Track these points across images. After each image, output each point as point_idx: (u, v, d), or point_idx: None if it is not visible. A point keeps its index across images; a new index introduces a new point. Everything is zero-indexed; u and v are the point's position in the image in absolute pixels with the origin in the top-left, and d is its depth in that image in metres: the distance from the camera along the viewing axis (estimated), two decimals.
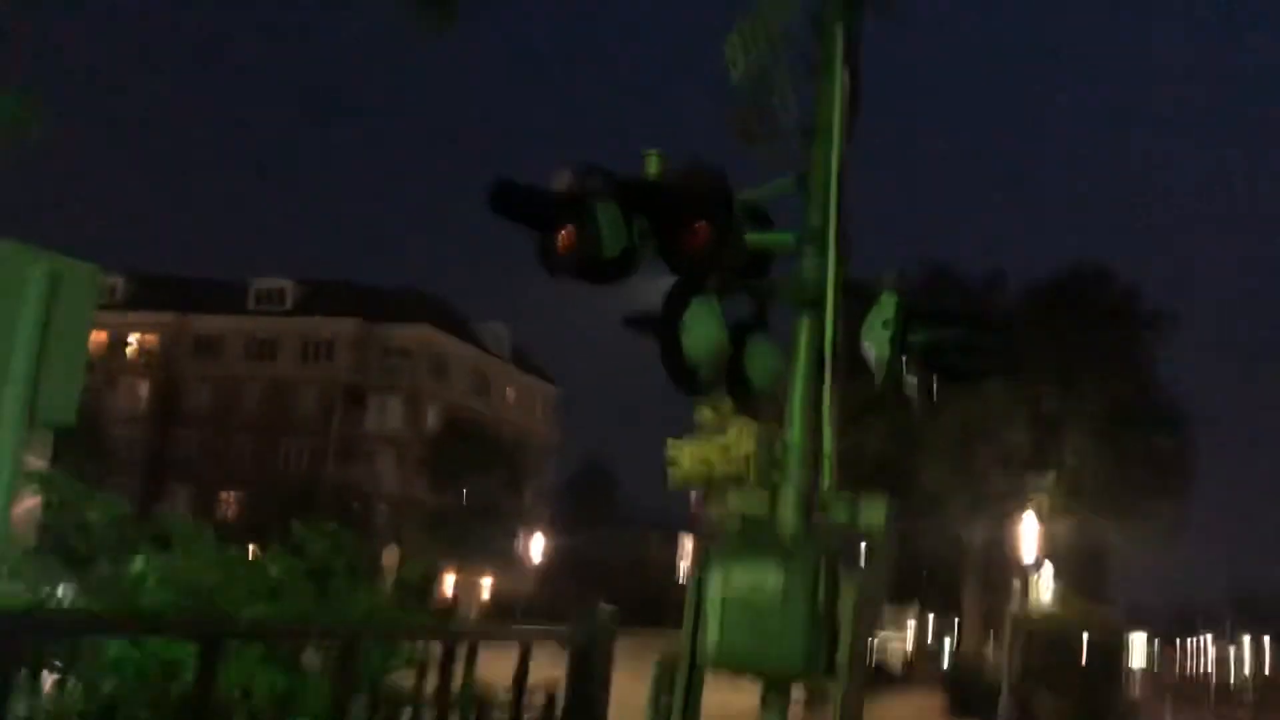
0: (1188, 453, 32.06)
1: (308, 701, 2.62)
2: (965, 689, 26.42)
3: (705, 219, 4.53)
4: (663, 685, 4.18)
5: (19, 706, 2.34)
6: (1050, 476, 30.25)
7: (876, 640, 44.00)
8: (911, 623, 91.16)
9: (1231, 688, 56.69)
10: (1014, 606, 27.81)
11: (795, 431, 4.57)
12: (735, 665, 4.06)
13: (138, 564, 2.69)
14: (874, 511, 4.42)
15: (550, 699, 2.87)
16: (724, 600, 4.07)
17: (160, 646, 2.28)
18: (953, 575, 37.98)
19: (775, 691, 4.19)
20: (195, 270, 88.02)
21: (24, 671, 2.30)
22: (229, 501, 64.67)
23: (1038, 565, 32.93)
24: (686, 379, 4.49)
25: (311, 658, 2.57)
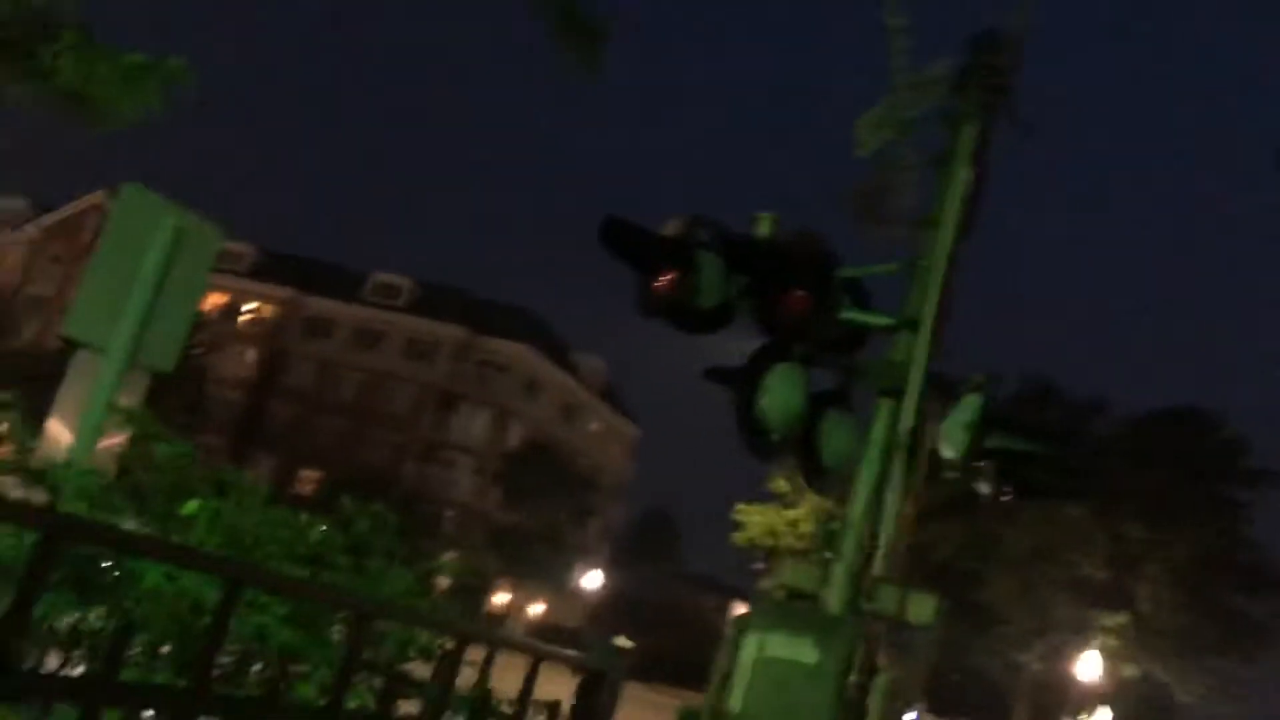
0: (1273, 617, 30.58)
1: (318, 668, 2.70)
2: None
3: (806, 287, 4.56)
4: None
5: (54, 615, 2.48)
6: (1122, 616, 29.14)
7: None
8: None
9: None
10: None
11: (857, 513, 4.56)
12: None
13: (191, 505, 2.82)
14: (923, 608, 4.37)
15: (553, 716, 2.90)
16: (755, 666, 4.06)
17: (193, 586, 2.39)
18: (1003, 698, 36.74)
19: None
20: (322, 253, 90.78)
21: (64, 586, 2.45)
22: (308, 479, 66.03)
23: (1095, 706, 31.73)
24: (757, 440, 4.51)
25: (337, 633, 2.65)
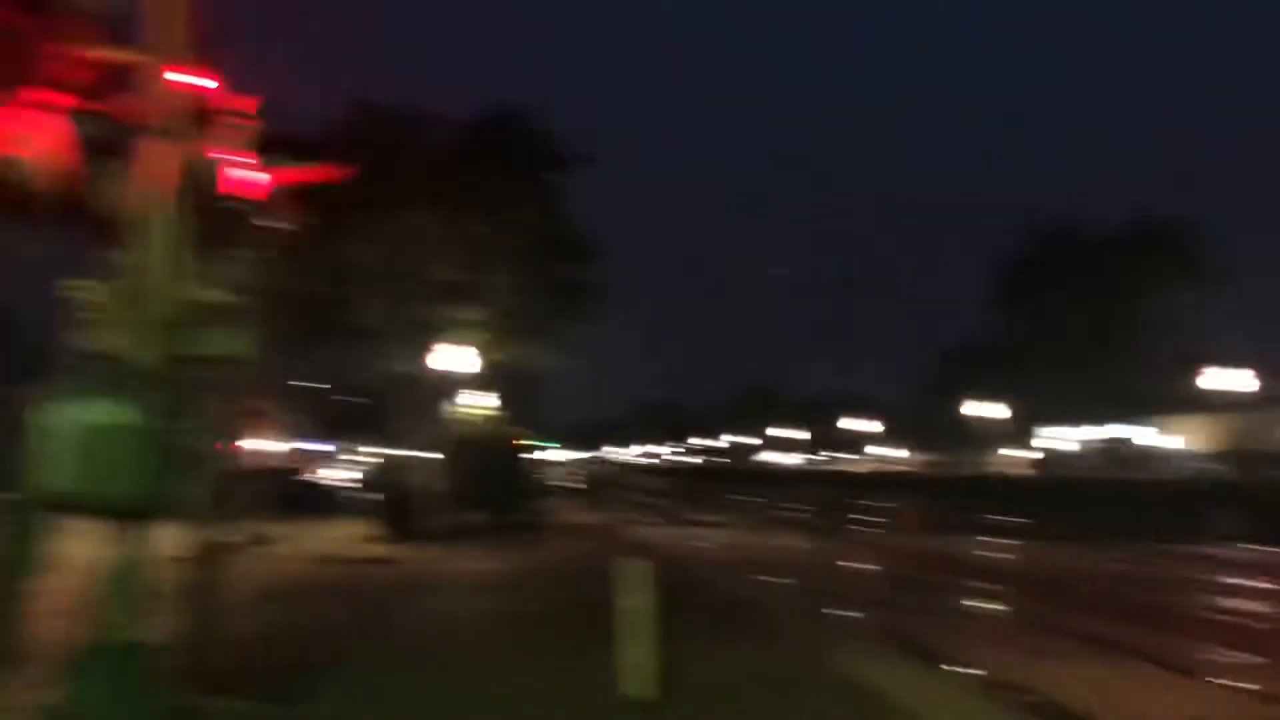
0: (599, 281, 35.50)
1: None
2: (399, 513, 27.52)
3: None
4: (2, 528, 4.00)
5: None
6: (478, 308, 31.83)
7: (312, 472, 44.32)
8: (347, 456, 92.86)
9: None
10: (441, 429, 29.33)
11: (155, 263, 4.45)
12: (81, 504, 3.96)
13: None
14: (237, 342, 4.47)
15: None
16: (74, 436, 3.93)
17: None
18: (393, 406, 38.98)
19: (131, 528, 4.15)
20: None
21: None
22: None
23: (464, 389, 34.96)
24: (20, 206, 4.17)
25: None
